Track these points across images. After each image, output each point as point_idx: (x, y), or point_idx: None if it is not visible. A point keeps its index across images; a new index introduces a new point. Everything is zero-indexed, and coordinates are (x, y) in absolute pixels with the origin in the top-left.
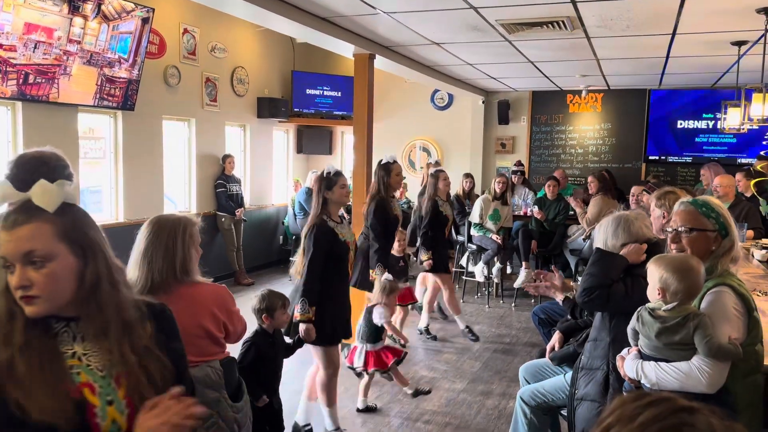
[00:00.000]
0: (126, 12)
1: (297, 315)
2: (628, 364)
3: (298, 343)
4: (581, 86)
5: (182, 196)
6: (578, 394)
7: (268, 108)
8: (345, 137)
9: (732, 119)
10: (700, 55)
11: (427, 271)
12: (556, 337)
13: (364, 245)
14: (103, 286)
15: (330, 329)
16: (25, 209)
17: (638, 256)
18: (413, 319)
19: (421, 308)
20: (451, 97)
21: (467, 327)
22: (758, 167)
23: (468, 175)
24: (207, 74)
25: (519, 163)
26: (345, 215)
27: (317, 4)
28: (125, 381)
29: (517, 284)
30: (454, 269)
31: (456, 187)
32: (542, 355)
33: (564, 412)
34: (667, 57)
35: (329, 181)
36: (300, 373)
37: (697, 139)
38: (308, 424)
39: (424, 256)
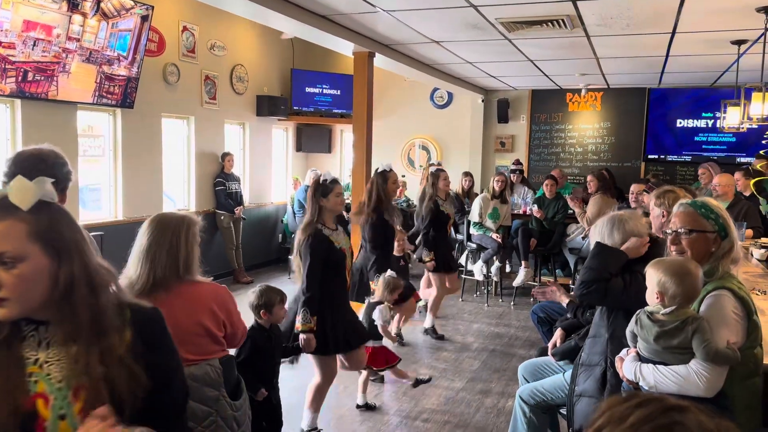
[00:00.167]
0: (125, 9)
1: (298, 325)
2: (627, 366)
3: (297, 350)
4: (581, 85)
5: (181, 194)
6: (577, 390)
7: (267, 106)
8: (344, 135)
9: (731, 118)
10: (699, 54)
11: (435, 268)
12: (558, 333)
13: (364, 260)
14: (78, 289)
15: (328, 339)
16: (1, 207)
17: (638, 250)
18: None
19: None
20: (450, 95)
21: (432, 328)
22: (757, 166)
23: (467, 174)
24: (206, 72)
25: (518, 162)
26: (344, 214)
27: (317, 2)
28: (84, 394)
29: (516, 283)
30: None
31: (455, 186)
32: (541, 353)
33: (563, 411)
34: (667, 56)
35: (325, 188)
36: (299, 371)
37: (696, 138)
38: (315, 428)
39: (426, 257)
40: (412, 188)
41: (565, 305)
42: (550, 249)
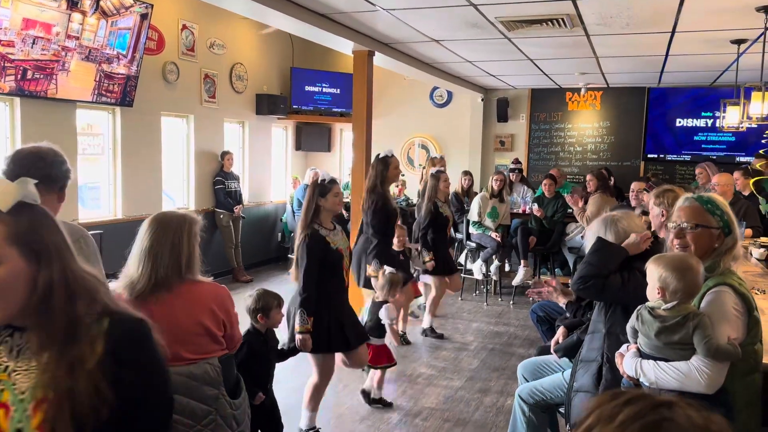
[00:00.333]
0: (125, 8)
1: (297, 326)
2: (627, 362)
3: (292, 351)
4: (580, 84)
5: (181, 193)
6: (575, 386)
7: (266, 105)
8: (344, 134)
9: (731, 118)
10: (699, 53)
11: (428, 272)
12: (561, 331)
13: (365, 245)
14: (56, 295)
15: (326, 337)
16: None
17: (638, 246)
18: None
19: (424, 308)
20: (450, 94)
21: (431, 328)
22: (757, 166)
23: (467, 173)
24: (206, 70)
25: (516, 161)
26: (344, 212)
27: (317, 1)
28: (45, 409)
29: (515, 282)
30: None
31: (455, 185)
32: (541, 352)
33: (562, 410)
34: (667, 55)
35: (323, 188)
36: (296, 371)
37: (695, 138)
38: (313, 427)
39: (426, 257)
40: (412, 187)
41: (563, 306)
42: (550, 248)
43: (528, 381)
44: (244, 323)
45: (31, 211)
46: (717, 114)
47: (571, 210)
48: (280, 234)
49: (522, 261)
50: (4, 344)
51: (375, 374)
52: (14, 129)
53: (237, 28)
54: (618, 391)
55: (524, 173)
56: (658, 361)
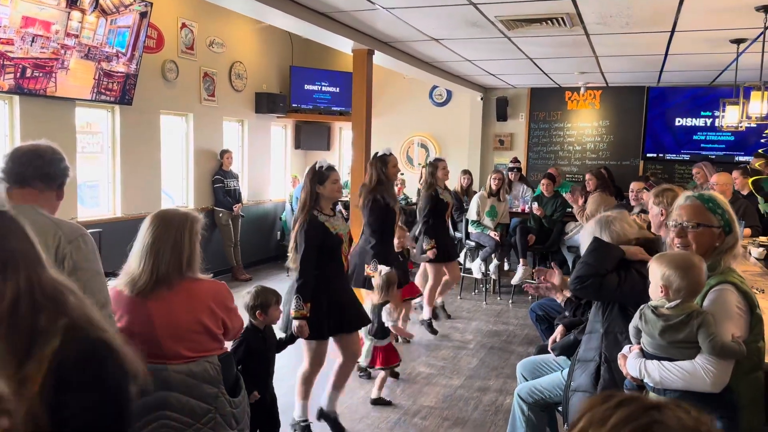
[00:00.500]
0: (124, 6)
1: (293, 312)
2: (631, 363)
3: (290, 339)
4: (580, 83)
5: (180, 192)
6: (573, 385)
7: (266, 103)
8: (343, 133)
9: (730, 117)
10: (698, 52)
11: (430, 260)
12: (559, 330)
13: (364, 245)
14: (22, 305)
15: (320, 324)
16: None
17: (635, 256)
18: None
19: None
20: (449, 93)
21: (429, 320)
22: (756, 165)
23: (466, 172)
24: (205, 69)
25: (515, 160)
26: (343, 211)
27: None
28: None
29: (514, 281)
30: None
31: (454, 184)
32: (540, 351)
33: (561, 408)
34: (666, 54)
35: (321, 175)
36: (296, 369)
37: (695, 137)
38: (305, 420)
39: (427, 245)
40: (411, 186)
41: (561, 303)
42: (548, 247)
43: (527, 380)
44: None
45: None
46: (716, 113)
47: (570, 209)
48: (279, 232)
49: (521, 260)
50: None
51: (378, 375)
52: (13, 127)
53: (236, 27)
54: (609, 394)
55: (523, 172)
56: (662, 361)
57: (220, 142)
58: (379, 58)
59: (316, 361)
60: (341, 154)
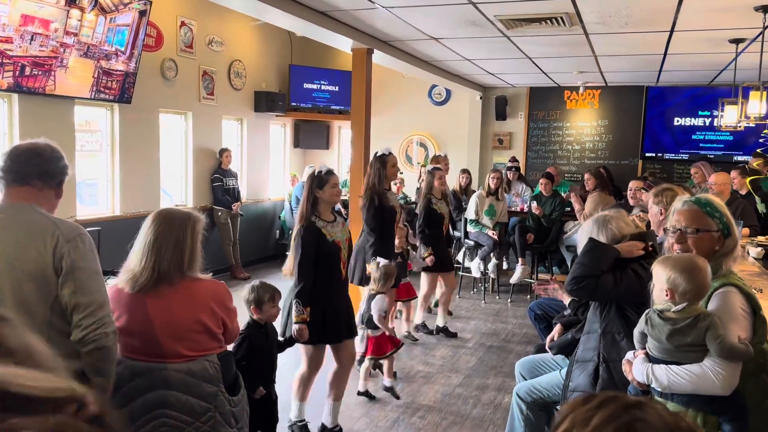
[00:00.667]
0: (123, 4)
1: (293, 317)
2: (637, 368)
3: (289, 342)
4: (579, 83)
5: (179, 190)
6: (571, 386)
7: (265, 102)
8: (342, 132)
9: (729, 117)
10: (697, 52)
11: (427, 267)
12: (557, 329)
13: (363, 243)
14: None
15: (319, 329)
16: None
17: (631, 253)
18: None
19: (437, 304)
20: (448, 92)
21: (423, 324)
22: (754, 165)
23: (465, 171)
24: (204, 67)
25: (514, 159)
26: (342, 210)
27: None
28: None
29: (513, 280)
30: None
31: (453, 183)
32: (538, 350)
33: (560, 408)
34: (665, 54)
35: (320, 180)
36: (294, 370)
37: (693, 137)
38: (302, 420)
39: (425, 252)
40: (410, 186)
41: (566, 303)
42: (547, 246)
43: (526, 379)
44: (244, 318)
45: None
46: (715, 113)
47: (569, 208)
48: (278, 231)
49: (520, 259)
50: None
51: (363, 366)
52: (12, 125)
53: (236, 25)
54: (590, 395)
55: (522, 171)
56: (670, 365)
57: (219, 140)
58: (378, 57)
59: (314, 364)
60: (340, 153)
